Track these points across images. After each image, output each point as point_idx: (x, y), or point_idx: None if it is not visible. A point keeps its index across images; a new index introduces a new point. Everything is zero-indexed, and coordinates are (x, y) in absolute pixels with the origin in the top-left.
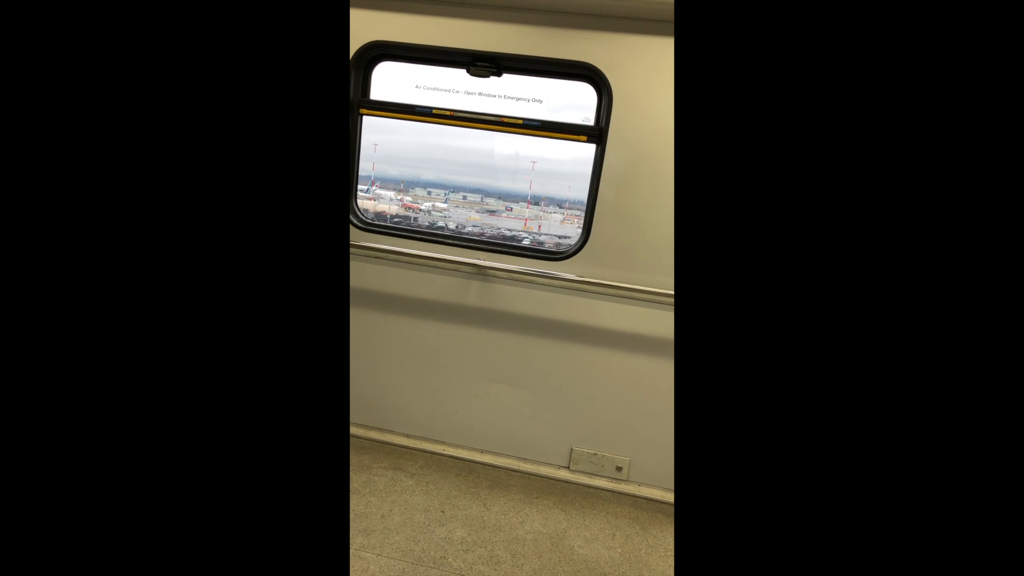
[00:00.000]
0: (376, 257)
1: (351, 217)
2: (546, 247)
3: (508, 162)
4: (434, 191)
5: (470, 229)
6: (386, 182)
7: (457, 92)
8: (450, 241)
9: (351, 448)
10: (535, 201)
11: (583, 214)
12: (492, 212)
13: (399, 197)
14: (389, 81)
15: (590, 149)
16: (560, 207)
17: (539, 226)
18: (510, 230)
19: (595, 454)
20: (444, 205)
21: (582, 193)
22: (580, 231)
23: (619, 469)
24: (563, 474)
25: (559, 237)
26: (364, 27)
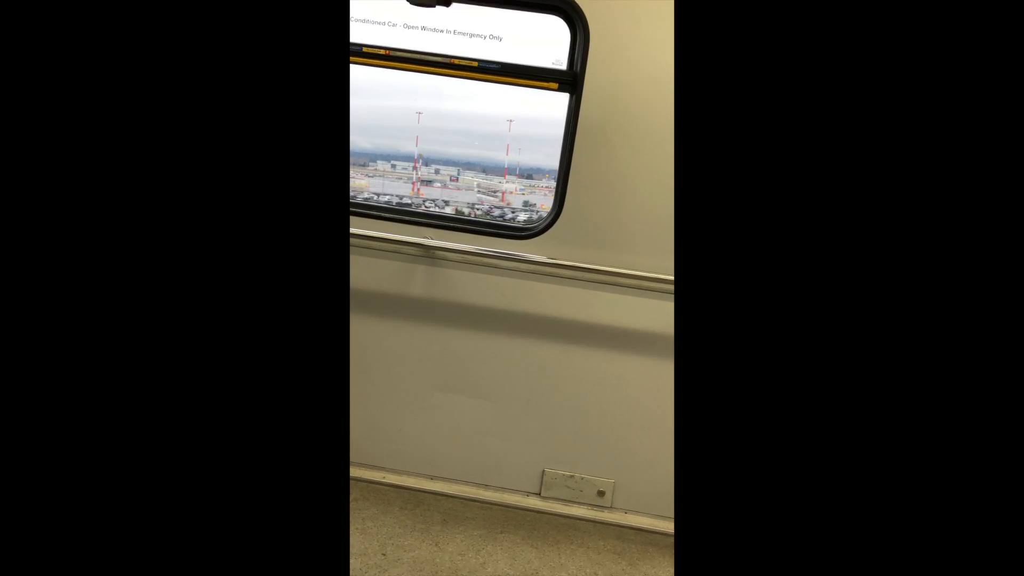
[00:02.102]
0: None
1: None
2: (508, 223)
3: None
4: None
5: (364, 197)
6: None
7: (394, 26)
8: (388, 216)
9: None
10: (422, 162)
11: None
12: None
13: None
14: None
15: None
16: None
17: (420, 191)
18: (400, 195)
19: (572, 476)
20: None
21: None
22: (480, 195)
23: (601, 494)
24: (533, 502)
25: (439, 202)
26: None
